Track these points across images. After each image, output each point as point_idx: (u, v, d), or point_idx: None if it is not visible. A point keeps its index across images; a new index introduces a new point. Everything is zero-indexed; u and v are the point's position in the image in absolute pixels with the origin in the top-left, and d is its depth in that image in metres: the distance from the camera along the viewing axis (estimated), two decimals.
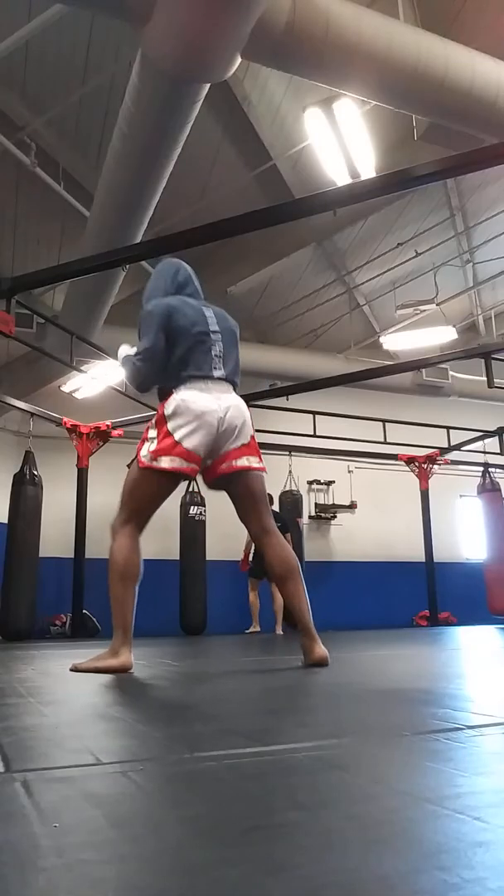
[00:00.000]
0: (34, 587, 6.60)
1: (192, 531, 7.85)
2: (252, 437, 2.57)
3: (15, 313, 4.49)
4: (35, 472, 6.84)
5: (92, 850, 0.59)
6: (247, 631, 7.60)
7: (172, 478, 2.46)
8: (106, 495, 8.55)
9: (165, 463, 2.39)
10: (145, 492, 2.49)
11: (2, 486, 7.09)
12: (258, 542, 2.62)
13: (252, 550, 7.66)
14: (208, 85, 4.06)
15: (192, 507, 7.89)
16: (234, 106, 5.57)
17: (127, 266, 4.63)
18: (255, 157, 6.17)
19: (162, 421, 2.44)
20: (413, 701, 1.57)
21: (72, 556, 7.27)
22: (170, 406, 2.44)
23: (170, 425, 2.41)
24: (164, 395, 2.53)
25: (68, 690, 2.07)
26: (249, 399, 7.25)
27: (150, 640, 5.66)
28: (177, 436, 2.40)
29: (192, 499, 7.93)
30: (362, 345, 9.76)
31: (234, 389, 2.63)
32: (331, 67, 4.26)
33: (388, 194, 4.15)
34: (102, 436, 7.63)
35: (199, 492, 7.95)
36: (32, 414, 6.93)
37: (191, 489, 7.96)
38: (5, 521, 6.81)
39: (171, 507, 8.12)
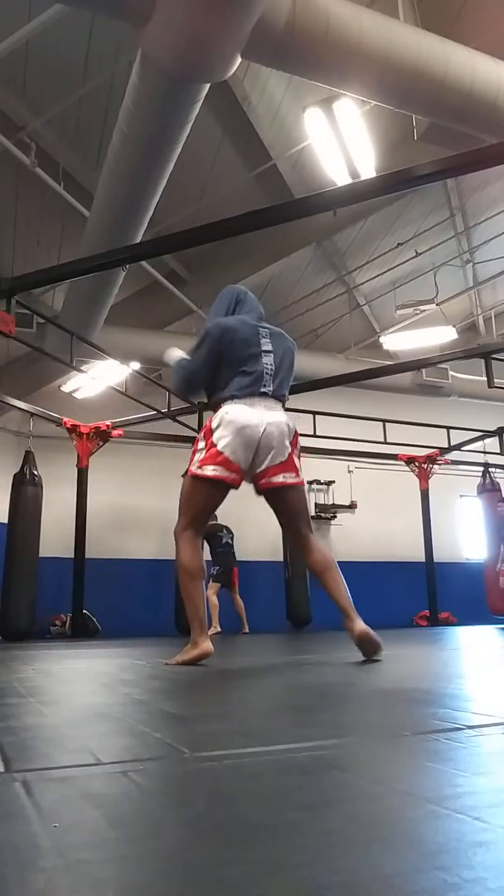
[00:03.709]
0: (34, 587, 6.61)
1: None
2: (290, 454, 2.71)
3: (15, 313, 4.49)
4: (35, 472, 6.84)
5: (92, 850, 0.59)
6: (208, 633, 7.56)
7: (218, 485, 2.65)
8: (106, 495, 8.65)
9: (209, 471, 2.61)
10: (197, 499, 2.71)
11: (2, 486, 7.09)
12: (294, 548, 2.88)
13: (213, 556, 7.76)
14: (208, 85, 4.06)
15: None
16: (234, 106, 5.57)
17: (127, 266, 4.63)
18: (255, 157, 6.17)
19: (209, 433, 2.66)
20: (413, 701, 1.57)
21: (72, 556, 7.27)
22: (216, 419, 2.66)
23: (214, 437, 2.63)
24: (215, 408, 2.74)
25: (68, 690, 2.07)
26: None
27: (148, 640, 5.66)
28: (219, 445, 2.60)
29: None
30: (362, 345, 9.76)
31: (283, 405, 2.81)
32: (331, 67, 4.26)
33: (389, 194, 4.15)
34: (102, 436, 7.63)
35: None
36: (32, 414, 6.93)
37: None
38: (5, 521, 6.81)
39: (172, 508, 8.11)
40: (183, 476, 2.84)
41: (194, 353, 2.78)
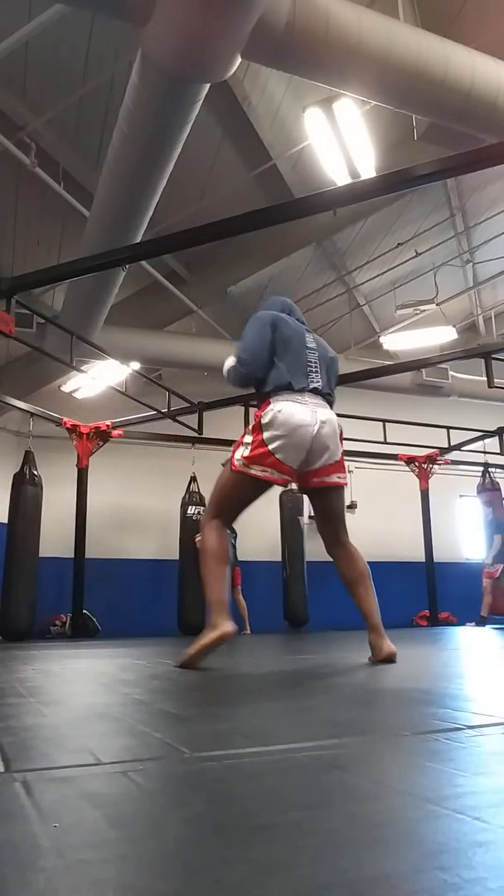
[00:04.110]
0: (34, 587, 6.60)
1: (191, 531, 7.85)
2: (341, 454, 2.69)
3: (15, 313, 4.49)
4: (35, 472, 6.84)
5: (92, 850, 0.59)
6: None
7: (263, 484, 2.57)
8: (106, 495, 8.64)
9: (257, 471, 2.50)
10: (234, 493, 2.61)
11: (2, 486, 7.09)
12: (330, 552, 2.74)
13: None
14: (208, 85, 4.05)
15: (189, 507, 7.88)
16: (234, 106, 5.57)
17: (127, 266, 4.62)
18: (255, 157, 6.17)
19: (258, 428, 2.54)
20: (413, 701, 1.57)
21: (72, 556, 7.27)
22: (267, 415, 2.53)
23: (265, 435, 2.51)
24: (262, 400, 2.64)
25: (68, 690, 2.07)
26: (249, 398, 7.33)
27: (149, 640, 5.66)
28: (271, 446, 2.49)
29: (191, 498, 7.92)
30: (362, 345, 9.76)
31: (331, 405, 2.74)
32: (331, 67, 4.26)
33: (388, 194, 4.15)
34: (102, 436, 7.63)
35: (198, 491, 7.95)
36: (32, 414, 6.93)
37: (190, 489, 7.96)
38: (5, 521, 6.81)
39: (172, 508, 8.13)
40: (223, 465, 2.73)
41: (246, 341, 2.69)
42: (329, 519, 2.72)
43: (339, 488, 2.68)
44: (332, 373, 2.84)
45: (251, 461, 2.50)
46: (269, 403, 2.56)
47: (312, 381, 2.64)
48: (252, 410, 7.28)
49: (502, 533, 8.46)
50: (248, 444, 2.54)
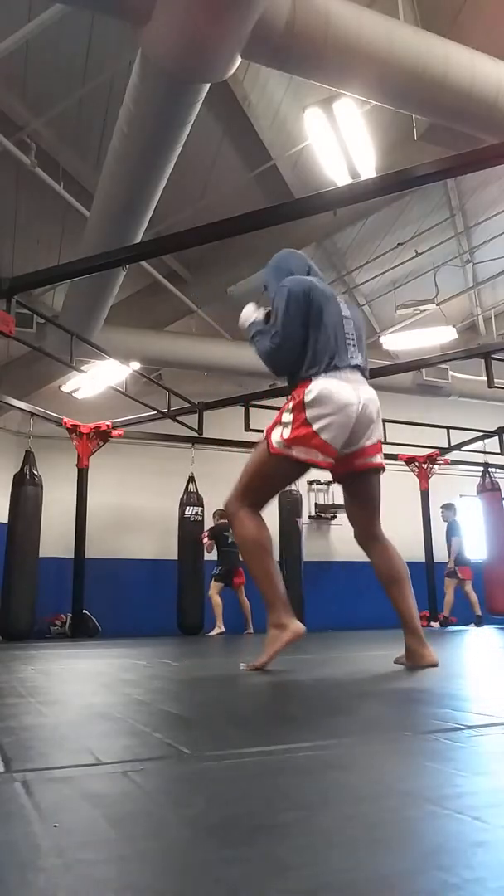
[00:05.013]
0: (34, 587, 6.61)
1: (189, 532, 7.86)
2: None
3: (15, 313, 4.49)
4: (35, 472, 6.84)
5: (92, 850, 0.59)
6: (211, 633, 7.53)
7: (302, 468, 2.36)
8: (106, 495, 8.63)
9: (300, 453, 2.28)
10: (271, 477, 2.40)
11: (2, 486, 7.09)
12: (364, 546, 2.53)
13: (215, 552, 7.73)
14: (208, 85, 4.06)
15: (188, 508, 7.88)
16: (234, 106, 5.57)
17: (127, 266, 4.63)
18: (255, 157, 6.17)
19: (300, 407, 2.30)
20: (413, 701, 1.57)
21: (72, 556, 7.27)
22: (311, 393, 2.30)
23: (309, 414, 2.28)
24: (299, 381, 2.37)
25: (68, 690, 2.07)
26: (249, 399, 7.33)
27: (148, 640, 5.66)
28: (315, 426, 2.27)
29: (189, 499, 7.92)
30: None
31: (367, 380, 2.50)
32: (331, 67, 4.26)
33: (388, 194, 4.15)
34: (102, 436, 7.64)
35: (196, 491, 7.94)
36: (32, 414, 6.93)
37: (188, 489, 7.96)
38: (5, 521, 6.81)
39: (173, 508, 8.13)
40: (257, 445, 2.44)
41: (281, 317, 2.38)
42: (366, 504, 2.51)
43: (379, 471, 2.49)
44: (364, 338, 2.58)
45: (293, 442, 2.28)
46: (310, 382, 2.32)
47: (353, 358, 2.41)
48: (252, 410, 7.28)
49: (458, 536, 8.56)
50: (287, 423, 2.31)
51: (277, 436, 2.31)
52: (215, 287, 7.75)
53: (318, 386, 2.30)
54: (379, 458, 2.46)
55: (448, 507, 9.02)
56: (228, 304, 8.19)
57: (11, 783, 0.81)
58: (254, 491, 2.39)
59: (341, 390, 2.31)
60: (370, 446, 2.41)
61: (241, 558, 7.91)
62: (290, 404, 2.33)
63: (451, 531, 8.88)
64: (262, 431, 2.47)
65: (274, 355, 2.42)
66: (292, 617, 2.25)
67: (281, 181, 6.50)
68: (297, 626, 2.23)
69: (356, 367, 2.42)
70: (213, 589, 7.73)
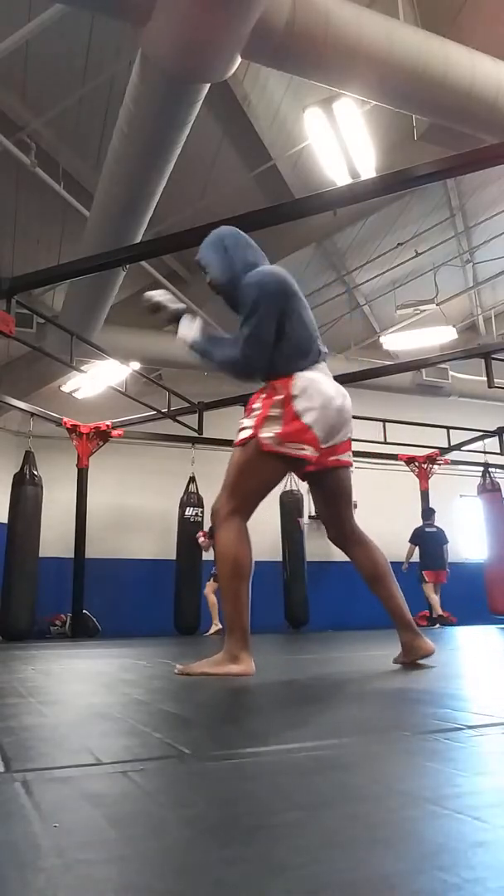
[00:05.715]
0: (34, 587, 6.60)
1: (188, 532, 7.85)
2: None
3: (15, 313, 4.49)
4: (35, 472, 6.84)
5: (92, 850, 0.59)
6: (208, 633, 7.50)
7: (293, 464, 2.20)
8: (106, 495, 8.63)
9: (293, 449, 2.12)
10: (261, 477, 2.20)
11: (2, 486, 7.09)
12: (342, 545, 2.42)
13: (213, 552, 7.68)
14: (208, 85, 4.06)
15: (188, 508, 7.87)
16: (234, 106, 5.57)
17: (127, 266, 4.63)
18: (255, 157, 6.17)
19: (288, 400, 2.14)
20: (413, 701, 1.57)
21: (72, 556, 7.27)
22: (297, 386, 2.15)
23: (298, 406, 2.13)
24: (280, 375, 2.21)
25: (68, 690, 2.07)
26: (249, 399, 7.31)
27: (149, 640, 5.66)
28: (306, 419, 2.12)
29: (189, 499, 7.92)
30: (362, 345, 9.76)
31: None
32: (331, 67, 4.26)
33: (388, 194, 4.15)
34: (102, 436, 7.64)
35: (196, 492, 7.94)
36: (32, 414, 6.93)
37: (189, 490, 7.95)
38: (5, 521, 6.81)
39: (173, 508, 8.13)
40: (239, 445, 2.22)
41: (253, 316, 2.19)
42: (338, 501, 2.38)
43: (349, 468, 2.39)
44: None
45: (286, 438, 2.11)
46: (293, 376, 2.18)
47: (322, 348, 2.30)
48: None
49: (413, 542, 8.46)
50: (276, 417, 2.13)
51: (269, 432, 2.13)
52: None
53: (306, 378, 2.18)
54: (348, 456, 2.37)
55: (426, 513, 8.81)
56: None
57: (11, 783, 0.81)
58: (244, 496, 2.22)
59: (325, 383, 2.23)
60: (342, 443, 2.31)
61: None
62: (275, 398, 2.16)
63: (412, 537, 8.69)
64: None
65: (246, 361, 2.22)
66: (249, 654, 2.11)
67: (281, 181, 6.50)
68: (249, 665, 2.08)
69: (325, 359, 2.32)
70: (209, 588, 7.73)
